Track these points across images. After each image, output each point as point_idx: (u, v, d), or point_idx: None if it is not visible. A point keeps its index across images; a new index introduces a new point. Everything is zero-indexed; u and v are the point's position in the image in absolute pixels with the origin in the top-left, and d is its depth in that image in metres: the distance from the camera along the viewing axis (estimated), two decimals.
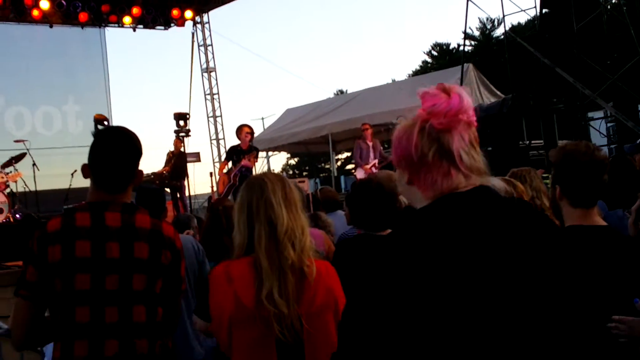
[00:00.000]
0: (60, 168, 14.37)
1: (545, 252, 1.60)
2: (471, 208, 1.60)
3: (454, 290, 1.49)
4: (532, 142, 14.87)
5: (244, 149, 11.37)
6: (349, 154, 34.28)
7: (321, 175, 35.57)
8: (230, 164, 11.60)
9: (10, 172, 11.81)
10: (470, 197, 1.62)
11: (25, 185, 12.47)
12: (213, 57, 20.84)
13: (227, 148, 13.47)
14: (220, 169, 12.08)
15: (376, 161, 13.40)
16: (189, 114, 15.06)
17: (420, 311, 1.50)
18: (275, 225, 2.63)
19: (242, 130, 11.41)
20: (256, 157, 11.75)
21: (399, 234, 1.66)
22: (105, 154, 2.70)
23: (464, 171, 1.64)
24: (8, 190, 11.59)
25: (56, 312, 2.54)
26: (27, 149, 12.54)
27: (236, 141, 11.58)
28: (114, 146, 2.71)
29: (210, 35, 20.66)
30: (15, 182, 11.91)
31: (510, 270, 1.53)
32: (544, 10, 15.47)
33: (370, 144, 13.55)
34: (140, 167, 2.79)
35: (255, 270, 2.59)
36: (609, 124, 17.23)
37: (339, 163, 39.14)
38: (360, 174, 13.44)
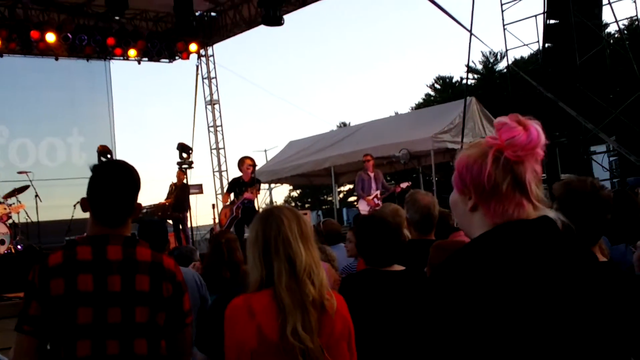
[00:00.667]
0: (63, 199, 14.39)
1: (602, 288, 1.66)
2: (539, 236, 1.64)
3: (526, 316, 1.53)
4: None
5: (246, 181, 11.37)
6: (351, 186, 34.25)
7: (323, 207, 35.56)
8: (232, 196, 11.60)
9: (13, 203, 11.84)
10: (539, 225, 1.66)
11: (28, 216, 12.47)
12: (217, 90, 21.03)
13: (230, 180, 13.49)
14: (224, 202, 12.07)
15: (378, 192, 13.39)
16: (192, 149, 15.11)
17: (492, 337, 1.53)
18: (294, 262, 2.63)
19: (244, 162, 11.42)
20: (258, 189, 11.74)
21: (467, 259, 1.66)
22: (104, 189, 2.70)
23: (535, 202, 1.69)
24: (10, 221, 11.60)
25: (57, 345, 2.51)
26: (30, 180, 12.58)
27: (239, 173, 11.60)
28: (112, 180, 2.71)
29: (215, 68, 20.87)
30: (18, 213, 11.92)
31: (574, 301, 1.58)
32: (546, 45, 15.57)
33: (372, 174, 13.58)
34: (139, 201, 2.79)
35: (278, 305, 2.59)
36: (611, 158, 17.25)
37: (341, 195, 39.13)
38: (362, 206, 13.43)
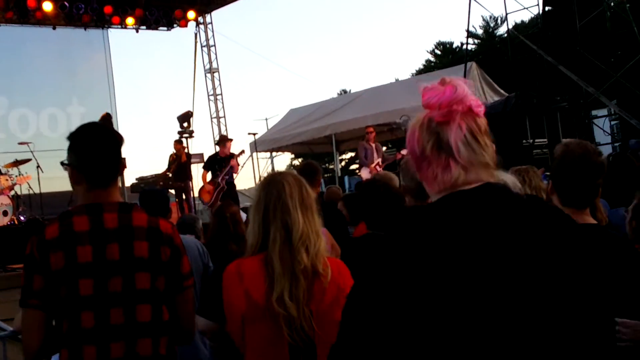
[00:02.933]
0: (65, 170, 14.35)
1: (555, 253, 1.54)
2: (472, 209, 1.56)
3: (448, 291, 1.47)
4: (536, 140, 14.83)
5: (223, 157, 11.47)
6: (352, 154, 34.22)
7: (325, 175, 35.50)
8: (210, 173, 11.67)
9: (17, 175, 11.80)
10: (472, 196, 1.58)
11: (30, 187, 12.46)
12: (216, 58, 20.87)
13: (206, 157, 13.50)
14: (203, 179, 12.13)
15: (380, 160, 13.59)
16: (192, 112, 15.02)
17: (413, 314, 1.48)
18: (291, 229, 2.63)
19: (227, 144, 11.61)
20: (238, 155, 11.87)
21: (398, 233, 1.64)
22: (88, 148, 2.68)
23: (463, 164, 1.61)
24: (12, 192, 11.60)
25: (60, 318, 2.53)
26: (32, 151, 12.54)
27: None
28: (93, 139, 2.70)
29: (213, 35, 20.71)
30: (21, 185, 11.91)
31: (510, 271, 1.48)
32: (546, 8, 15.43)
33: (374, 145, 13.99)
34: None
35: (267, 269, 2.60)
36: (612, 122, 17.17)
37: (342, 163, 39.07)
38: (365, 173, 13.66)
